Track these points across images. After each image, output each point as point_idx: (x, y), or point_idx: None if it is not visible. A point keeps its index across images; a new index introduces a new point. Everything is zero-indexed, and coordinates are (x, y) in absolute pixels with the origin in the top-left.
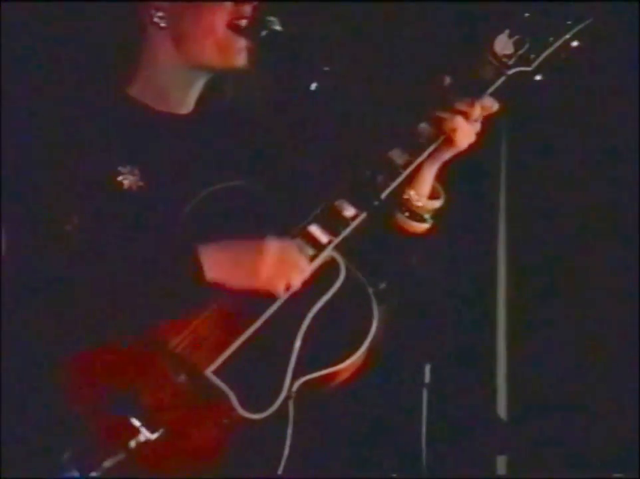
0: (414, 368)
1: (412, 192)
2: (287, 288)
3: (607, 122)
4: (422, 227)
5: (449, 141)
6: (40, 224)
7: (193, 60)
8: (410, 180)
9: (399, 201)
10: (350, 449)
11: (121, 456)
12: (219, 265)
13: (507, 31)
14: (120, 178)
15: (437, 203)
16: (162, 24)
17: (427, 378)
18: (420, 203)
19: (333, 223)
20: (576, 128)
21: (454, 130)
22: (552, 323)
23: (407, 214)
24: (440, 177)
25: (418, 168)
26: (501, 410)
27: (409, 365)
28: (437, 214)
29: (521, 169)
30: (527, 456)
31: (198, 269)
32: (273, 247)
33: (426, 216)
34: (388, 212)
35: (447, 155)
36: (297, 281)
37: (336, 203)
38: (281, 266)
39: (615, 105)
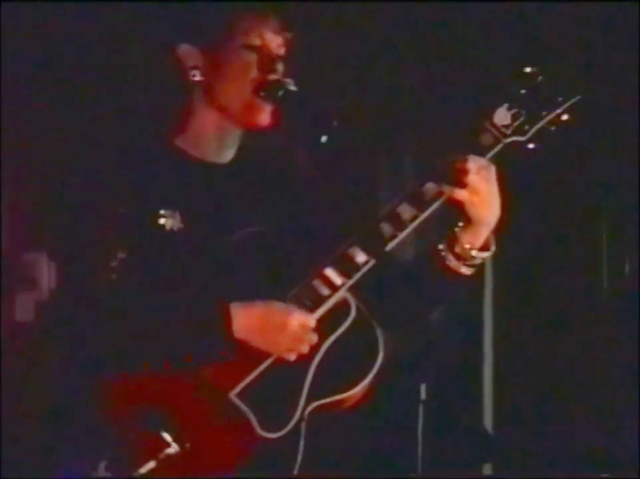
0: (412, 387)
1: (466, 245)
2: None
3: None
4: (466, 270)
5: (452, 199)
6: (88, 258)
7: (223, 113)
8: (468, 232)
9: (451, 245)
10: (358, 453)
11: (152, 465)
12: (246, 328)
13: (506, 105)
14: (162, 220)
15: (485, 254)
16: (197, 80)
17: (423, 396)
18: (470, 252)
19: (346, 267)
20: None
21: (453, 189)
22: (535, 348)
23: (455, 257)
24: (496, 231)
25: (474, 230)
26: (487, 422)
27: (408, 385)
28: (482, 262)
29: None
30: (509, 464)
31: (228, 328)
32: (294, 323)
33: (474, 262)
34: (440, 255)
35: (475, 214)
36: (306, 351)
37: (350, 250)
38: (298, 342)
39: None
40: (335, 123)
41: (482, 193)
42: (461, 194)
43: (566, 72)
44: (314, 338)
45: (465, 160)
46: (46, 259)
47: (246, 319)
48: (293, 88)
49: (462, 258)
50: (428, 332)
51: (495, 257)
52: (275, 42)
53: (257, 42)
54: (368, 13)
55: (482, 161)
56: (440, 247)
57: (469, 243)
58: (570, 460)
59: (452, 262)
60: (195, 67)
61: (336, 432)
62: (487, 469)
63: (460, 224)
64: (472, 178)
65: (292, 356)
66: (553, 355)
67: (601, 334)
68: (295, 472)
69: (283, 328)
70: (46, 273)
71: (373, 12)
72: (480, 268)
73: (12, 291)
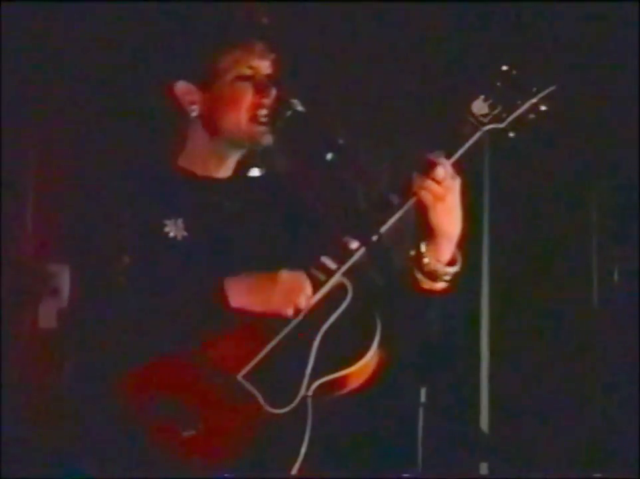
0: (413, 391)
1: (431, 259)
2: (296, 311)
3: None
4: (438, 286)
5: (419, 201)
6: (99, 262)
7: (225, 141)
8: (431, 247)
9: (419, 264)
10: (363, 444)
11: (168, 448)
12: (239, 294)
13: (482, 96)
14: (166, 229)
15: (452, 270)
16: (196, 114)
17: (423, 399)
18: (436, 268)
19: (341, 254)
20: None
21: (420, 192)
22: (530, 350)
23: (425, 275)
24: (460, 246)
25: (437, 243)
26: (484, 424)
27: (409, 389)
28: (453, 277)
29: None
30: (504, 463)
31: (224, 298)
32: (283, 278)
33: (444, 278)
34: (409, 271)
35: (436, 220)
36: (303, 305)
37: (343, 238)
38: (290, 294)
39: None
40: (341, 141)
41: (445, 200)
42: (427, 196)
43: (540, 66)
44: (308, 290)
45: (435, 165)
46: (67, 269)
47: (238, 286)
48: (300, 108)
49: (432, 275)
50: (425, 335)
51: (491, 263)
52: (263, 66)
53: (247, 72)
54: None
55: (450, 170)
56: (412, 269)
57: (434, 258)
58: (566, 459)
59: (425, 282)
60: (193, 102)
61: (341, 416)
62: (483, 468)
63: (424, 243)
64: (438, 186)
65: (290, 310)
66: (548, 358)
67: (595, 335)
68: (304, 448)
69: (274, 284)
70: (67, 282)
71: (359, 13)
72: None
73: (36, 299)
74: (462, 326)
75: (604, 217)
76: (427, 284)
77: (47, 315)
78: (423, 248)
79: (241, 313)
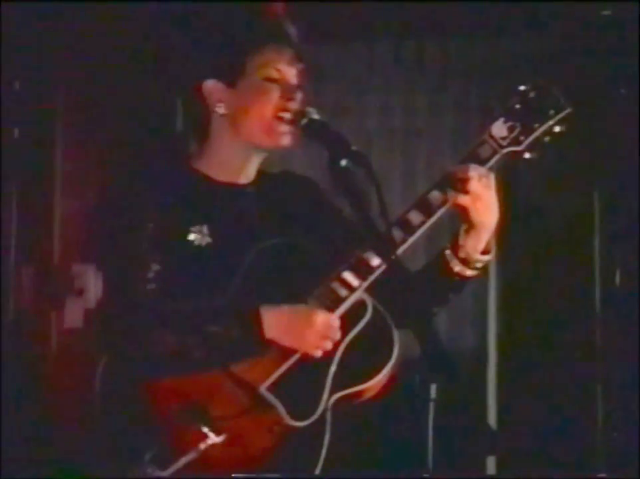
0: (423, 387)
1: (469, 249)
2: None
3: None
4: (469, 273)
5: (456, 205)
6: (127, 270)
7: (247, 141)
8: (470, 237)
9: (455, 250)
10: (375, 447)
11: (192, 455)
12: (275, 329)
13: (502, 118)
14: (191, 236)
15: (486, 258)
16: (222, 113)
17: (433, 395)
18: (472, 255)
19: (362, 270)
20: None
21: (457, 195)
22: (536, 351)
23: (460, 261)
24: (496, 234)
25: (477, 234)
26: (492, 419)
27: (419, 384)
28: (484, 264)
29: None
30: (511, 457)
31: (260, 329)
32: (318, 321)
33: (477, 265)
34: (446, 260)
35: (477, 218)
36: (329, 348)
37: (365, 254)
38: (322, 338)
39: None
40: (354, 148)
41: (484, 198)
42: (464, 200)
43: (557, 88)
44: (337, 335)
45: (467, 169)
46: (93, 272)
47: (275, 320)
48: (315, 116)
49: (466, 262)
50: (437, 334)
51: (499, 261)
52: (290, 72)
53: (274, 74)
54: (376, 32)
55: (483, 170)
56: (446, 252)
57: (472, 247)
58: (569, 458)
59: (457, 266)
60: (220, 101)
61: (357, 420)
62: (490, 461)
63: (463, 230)
64: (474, 185)
65: (318, 353)
66: (553, 358)
67: (599, 335)
68: (322, 459)
69: (309, 326)
70: (93, 284)
71: (380, 31)
72: (484, 270)
73: (64, 300)
74: (471, 325)
75: (606, 220)
76: (460, 269)
77: (73, 316)
78: (461, 236)
79: (272, 343)
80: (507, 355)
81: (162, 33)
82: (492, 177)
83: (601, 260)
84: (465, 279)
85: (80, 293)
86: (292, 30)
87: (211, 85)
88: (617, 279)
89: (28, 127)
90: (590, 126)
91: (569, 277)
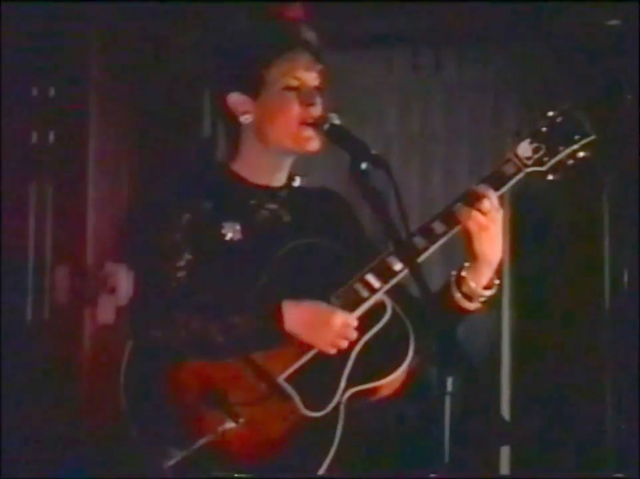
0: (440, 381)
1: (471, 283)
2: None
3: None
4: (472, 306)
5: (465, 229)
6: (160, 260)
7: (275, 147)
8: (472, 271)
9: (458, 284)
10: (390, 439)
11: (210, 438)
12: (294, 322)
13: (528, 139)
14: (223, 231)
15: (488, 293)
16: (248, 122)
17: (449, 388)
18: (474, 290)
19: (384, 273)
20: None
21: (467, 221)
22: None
23: (463, 295)
24: (498, 272)
25: (478, 268)
26: (505, 411)
27: (436, 378)
28: (487, 299)
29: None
30: (524, 447)
31: (280, 323)
32: (337, 321)
33: (479, 300)
34: (447, 289)
35: (480, 247)
36: (345, 346)
37: (388, 259)
38: (339, 337)
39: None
40: (374, 152)
41: (489, 229)
42: (473, 224)
43: (583, 115)
44: (353, 335)
45: (486, 196)
46: (124, 270)
47: (295, 314)
48: (336, 121)
49: (468, 296)
50: (452, 330)
51: (512, 259)
52: (309, 77)
53: (293, 83)
54: (405, 50)
55: (496, 204)
56: (451, 285)
57: (474, 281)
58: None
59: (460, 300)
60: (245, 112)
61: (371, 416)
62: (504, 451)
63: (466, 264)
64: (483, 217)
65: (333, 350)
66: (562, 356)
67: (606, 335)
68: (333, 450)
69: (327, 324)
70: (124, 283)
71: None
72: (487, 304)
73: (97, 298)
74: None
75: (615, 223)
76: (463, 303)
77: (105, 313)
78: (465, 270)
79: (291, 336)
80: (520, 350)
81: (189, 50)
82: (501, 214)
83: (610, 260)
84: (467, 312)
85: (112, 291)
86: (309, 33)
87: (235, 97)
88: (625, 279)
89: (63, 131)
90: (599, 131)
91: (579, 276)
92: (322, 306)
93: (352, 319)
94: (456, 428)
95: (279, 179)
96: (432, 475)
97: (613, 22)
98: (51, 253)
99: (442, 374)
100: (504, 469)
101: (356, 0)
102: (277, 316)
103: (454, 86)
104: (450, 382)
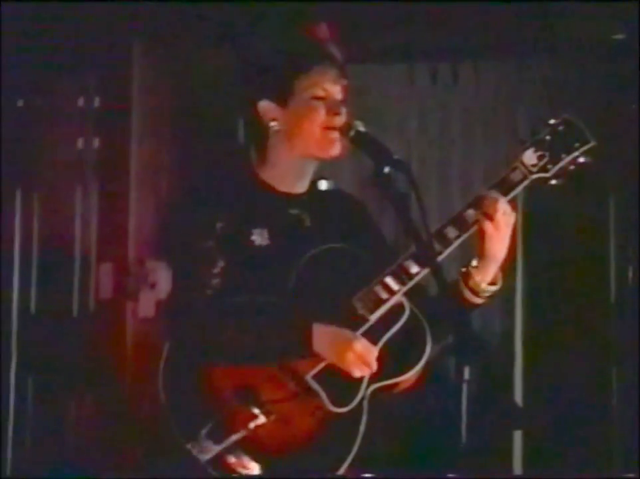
0: (458, 369)
1: (478, 277)
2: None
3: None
4: (478, 301)
5: (480, 228)
6: (196, 266)
7: (302, 153)
8: (479, 268)
9: (466, 280)
10: (411, 426)
11: (243, 433)
12: (322, 345)
13: (533, 148)
14: (252, 237)
15: (493, 288)
16: (276, 129)
17: (466, 376)
18: (480, 285)
19: (402, 276)
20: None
21: (483, 222)
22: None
23: (469, 290)
24: (503, 267)
25: (485, 265)
26: (518, 397)
27: (454, 367)
28: (491, 294)
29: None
30: (535, 432)
31: (310, 343)
32: (359, 347)
33: (484, 295)
34: (456, 285)
35: (490, 247)
36: (365, 374)
37: (405, 262)
38: (359, 363)
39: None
40: (396, 156)
41: (501, 232)
42: (487, 226)
43: (583, 123)
44: (374, 365)
45: (497, 200)
46: (164, 267)
47: (323, 338)
48: (362, 128)
49: (475, 291)
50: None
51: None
52: (335, 89)
53: (321, 93)
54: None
55: (508, 208)
56: (458, 281)
57: (480, 277)
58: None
59: (467, 294)
60: (274, 119)
61: (393, 410)
62: (517, 435)
63: (474, 261)
64: (499, 216)
65: (356, 373)
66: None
67: (611, 327)
68: (359, 442)
69: (350, 350)
70: (164, 278)
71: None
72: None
73: (138, 292)
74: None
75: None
76: (470, 298)
77: (146, 307)
78: (472, 267)
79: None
80: (532, 342)
81: (223, 59)
82: (513, 217)
83: (616, 259)
84: (474, 306)
85: (153, 286)
86: (336, 50)
87: (264, 105)
88: (630, 277)
89: (107, 138)
90: (603, 137)
91: (586, 272)
92: (347, 333)
93: (373, 349)
94: (473, 412)
95: (302, 186)
96: (450, 475)
97: (618, 36)
98: (96, 251)
99: (460, 364)
100: (517, 455)
101: (377, 20)
102: (306, 338)
103: (470, 97)
104: (467, 370)
